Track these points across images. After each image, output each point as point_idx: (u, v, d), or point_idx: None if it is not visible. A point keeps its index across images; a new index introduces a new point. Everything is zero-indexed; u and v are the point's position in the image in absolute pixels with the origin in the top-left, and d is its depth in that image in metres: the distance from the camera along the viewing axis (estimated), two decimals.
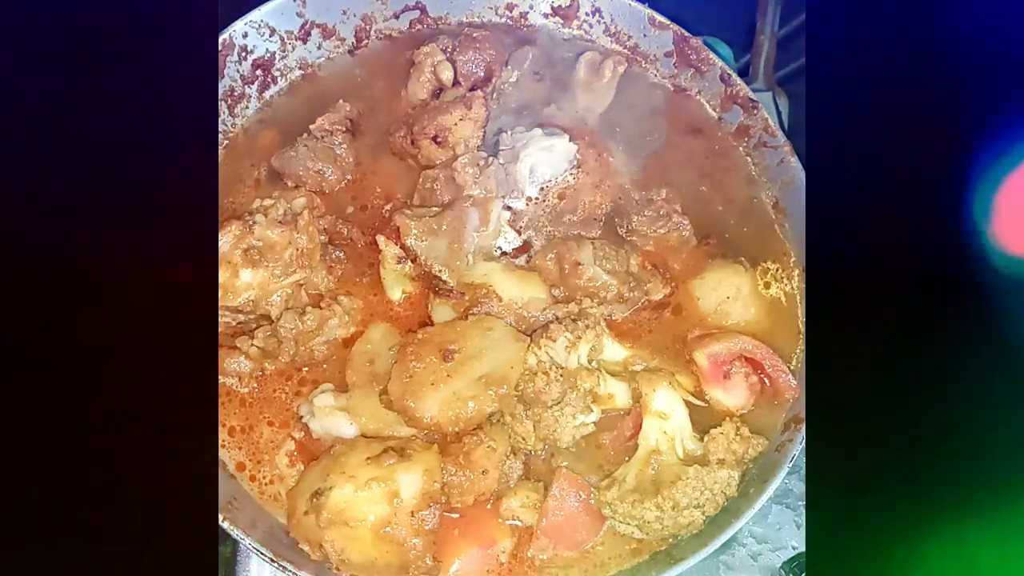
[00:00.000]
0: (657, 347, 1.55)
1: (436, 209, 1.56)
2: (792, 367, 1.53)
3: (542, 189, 1.68)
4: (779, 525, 1.72)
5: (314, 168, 1.64)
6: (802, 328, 1.58)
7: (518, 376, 1.39)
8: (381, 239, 1.54)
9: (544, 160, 1.66)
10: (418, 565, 1.31)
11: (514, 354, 1.41)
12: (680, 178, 1.72)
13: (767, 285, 1.62)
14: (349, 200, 1.67)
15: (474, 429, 1.40)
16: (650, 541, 1.41)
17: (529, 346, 1.43)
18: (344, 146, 1.67)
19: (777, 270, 1.63)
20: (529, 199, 1.67)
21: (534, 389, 1.37)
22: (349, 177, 1.69)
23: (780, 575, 1.67)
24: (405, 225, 1.52)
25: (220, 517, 1.30)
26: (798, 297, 1.61)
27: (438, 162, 1.64)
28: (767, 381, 1.50)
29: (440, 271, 1.52)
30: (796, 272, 1.63)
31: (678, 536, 1.39)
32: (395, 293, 1.57)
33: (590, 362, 1.45)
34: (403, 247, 1.52)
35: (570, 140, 1.68)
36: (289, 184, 1.65)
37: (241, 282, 1.44)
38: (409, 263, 1.54)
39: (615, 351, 1.51)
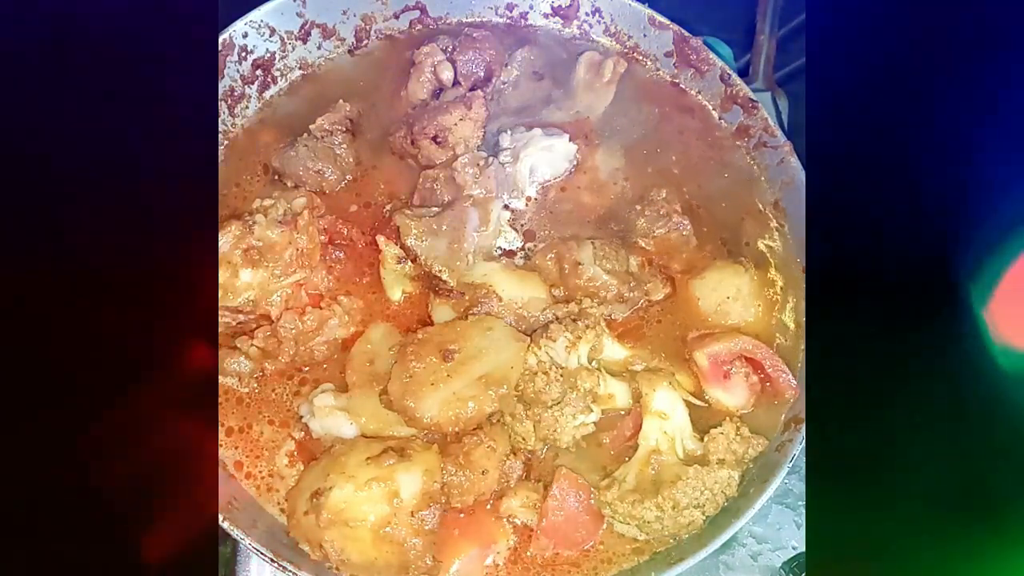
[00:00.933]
0: (657, 347, 1.55)
1: (436, 209, 1.56)
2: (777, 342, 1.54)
3: (542, 189, 1.68)
4: (779, 525, 1.72)
5: (314, 168, 1.64)
6: (801, 325, 1.58)
7: (518, 376, 1.39)
8: (381, 239, 1.54)
9: (544, 160, 1.66)
10: (418, 565, 1.31)
11: (514, 354, 1.41)
12: (680, 176, 1.72)
13: (747, 244, 1.64)
14: (349, 200, 1.67)
15: (474, 429, 1.40)
16: (650, 541, 1.41)
17: (529, 346, 1.43)
18: (344, 146, 1.67)
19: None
20: (529, 199, 1.67)
21: (534, 389, 1.37)
22: (349, 177, 1.69)
23: (780, 575, 1.67)
24: (405, 225, 1.52)
25: (220, 517, 1.30)
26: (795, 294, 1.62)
27: (438, 162, 1.64)
28: (767, 381, 1.50)
29: (440, 271, 1.52)
30: (778, 234, 1.66)
31: (678, 536, 1.39)
32: (395, 293, 1.57)
33: (590, 362, 1.45)
34: (403, 247, 1.53)
35: (570, 140, 1.68)
36: (289, 184, 1.65)
37: (241, 282, 1.44)
38: (409, 263, 1.54)
39: (615, 351, 1.51)
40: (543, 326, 1.46)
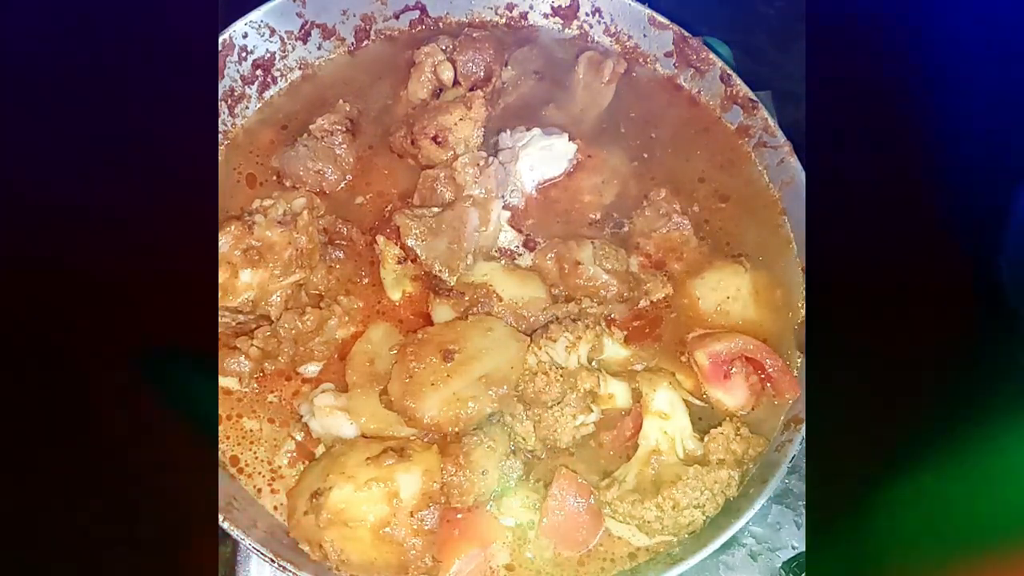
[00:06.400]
0: (657, 347, 1.55)
1: (436, 209, 1.56)
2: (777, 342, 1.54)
3: (542, 188, 1.68)
4: (779, 525, 1.72)
5: (314, 168, 1.64)
6: (800, 324, 1.58)
7: (518, 376, 1.39)
8: (381, 239, 1.54)
9: (544, 159, 1.66)
10: (418, 565, 1.30)
11: (514, 354, 1.41)
12: (680, 175, 1.72)
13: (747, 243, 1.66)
14: (349, 200, 1.67)
15: (474, 429, 1.39)
16: (649, 548, 1.41)
17: (529, 346, 1.43)
18: (344, 146, 1.67)
19: None
20: (529, 198, 1.67)
21: (534, 389, 1.37)
22: (349, 177, 1.69)
23: (780, 575, 1.67)
24: (405, 225, 1.52)
25: (220, 517, 1.29)
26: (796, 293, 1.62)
27: (438, 162, 1.64)
28: (767, 381, 1.50)
29: (440, 271, 1.52)
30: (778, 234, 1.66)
31: (678, 536, 1.39)
32: (395, 293, 1.57)
33: (590, 362, 1.45)
34: (403, 247, 1.52)
35: (569, 139, 1.68)
36: (288, 184, 1.65)
37: (241, 282, 1.43)
38: (409, 263, 1.54)
39: (615, 351, 1.51)
40: (543, 326, 1.46)
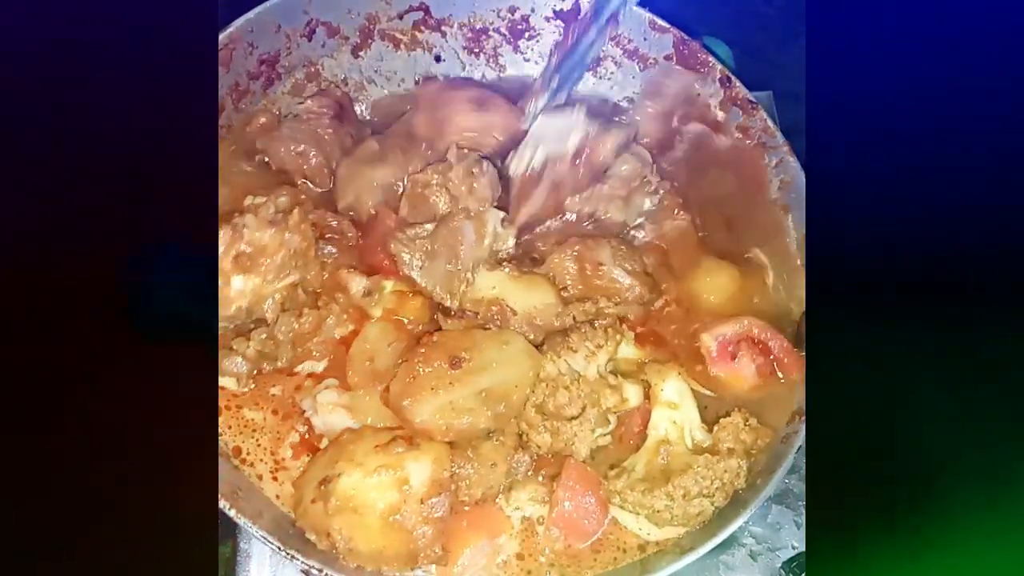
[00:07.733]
0: (669, 345, 1.56)
1: (429, 227, 1.51)
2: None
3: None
4: (779, 525, 1.72)
5: (295, 149, 1.60)
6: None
7: (520, 398, 1.36)
8: (343, 272, 1.48)
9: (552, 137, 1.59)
10: (427, 554, 1.28)
11: (523, 373, 1.37)
12: (682, 174, 1.72)
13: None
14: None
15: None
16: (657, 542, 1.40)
17: (548, 355, 1.39)
18: (330, 131, 1.63)
19: None
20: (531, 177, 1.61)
21: (555, 404, 1.35)
22: (335, 164, 1.64)
23: (780, 575, 1.67)
24: (401, 257, 1.47)
25: (227, 506, 1.26)
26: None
27: (420, 132, 1.61)
28: (774, 363, 1.50)
29: (442, 297, 1.47)
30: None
31: (687, 526, 1.37)
32: (376, 311, 1.51)
33: (607, 363, 1.43)
34: (404, 279, 1.48)
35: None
36: (273, 167, 1.60)
37: (233, 291, 1.37)
38: (377, 295, 1.49)
39: (628, 350, 1.51)
40: (561, 332, 1.44)
